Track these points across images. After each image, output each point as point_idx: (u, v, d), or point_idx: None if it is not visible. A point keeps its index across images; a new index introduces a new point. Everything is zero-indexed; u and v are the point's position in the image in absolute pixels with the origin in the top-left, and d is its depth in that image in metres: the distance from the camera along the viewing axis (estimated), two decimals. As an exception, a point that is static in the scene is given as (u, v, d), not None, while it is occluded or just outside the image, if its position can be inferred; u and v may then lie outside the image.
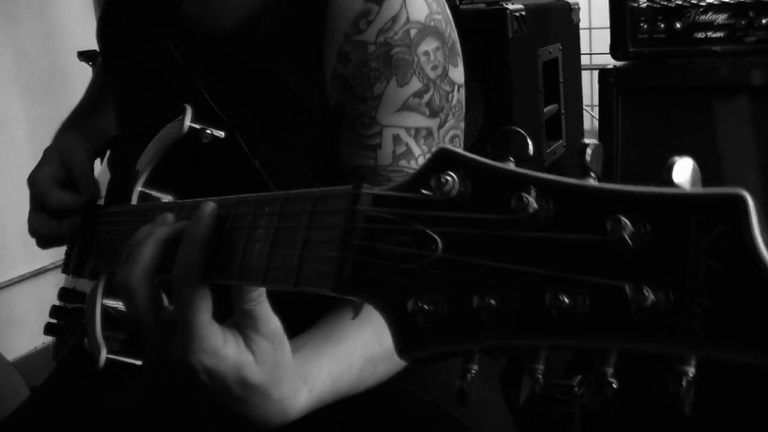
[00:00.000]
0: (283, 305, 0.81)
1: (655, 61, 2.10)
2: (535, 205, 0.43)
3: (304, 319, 0.93)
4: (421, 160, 1.00)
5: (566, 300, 0.41)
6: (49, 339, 2.01)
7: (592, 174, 0.44)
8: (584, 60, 2.77)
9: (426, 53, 1.01)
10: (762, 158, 1.98)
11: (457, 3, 2.15)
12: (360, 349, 0.91)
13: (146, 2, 1.21)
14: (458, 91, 1.06)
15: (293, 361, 0.82)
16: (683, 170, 0.40)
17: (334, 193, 0.59)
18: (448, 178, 0.48)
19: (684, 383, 0.39)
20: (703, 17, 2.01)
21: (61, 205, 1.25)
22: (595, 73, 2.16)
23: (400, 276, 0.50)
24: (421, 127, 1.02)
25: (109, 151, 1.46)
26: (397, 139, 1.01)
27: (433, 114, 1.02)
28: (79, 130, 1.39)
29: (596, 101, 2.69)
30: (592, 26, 2.94)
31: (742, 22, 1.97)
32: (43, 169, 1.28)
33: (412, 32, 1.00)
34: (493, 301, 0.44)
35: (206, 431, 1.16)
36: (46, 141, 1.41)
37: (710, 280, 0.37)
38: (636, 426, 1.94)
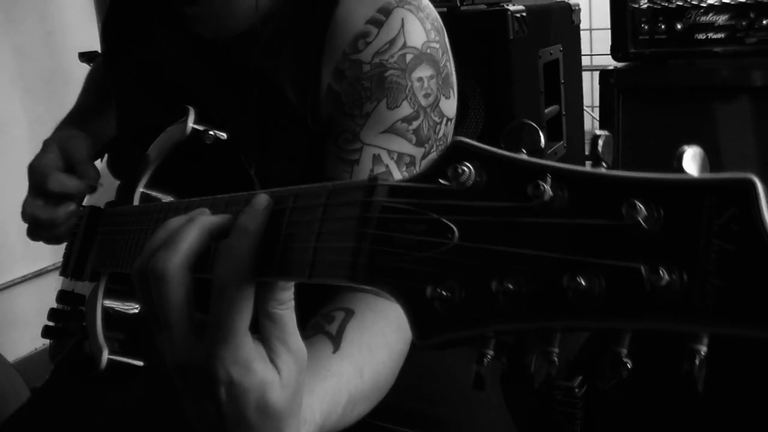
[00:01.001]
0: None
1: (655, 62, 2.11)
2: (551, 193, 0.45)
3: None
4: None
5: (583, 282, 0.42)
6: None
7: (604, 164, 0.46)
8: (585, 61, 2.78)
9: (420, 79, 1.02)
10: (763, 158, 1.99)
11: (458, 4, 2.16)
12: (344, 387, 0.84)
13: (151, 4, 1.22)
14: (446, 124, 1.07)
15: None
16: (693, 158, 0.42)
17: (350, 185, 0.60)
18: (465, 168, 0.49)
19: (697, 361, 0.40)
20: (704, 18, 2.03)
21: (61, 187, 1.25)
22: (596, 74, 2.17)
23: (417, 264, 0.51)
24: (405, 153, 1.02)
25: (107, 155, 1.46)
26: (377, 158, 1.02)
27: (419, 143, 1.03)
28: (78, 129, 1.39)
29: (597, 102, 2.70)
30: (593, 27, 2.95)
31: (743, 23, 1.99)
32: (44, 156, 1.28)
33: (408, 57, 1.01)
34: (510, 285, 0.45)
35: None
36: None
37: (722, 260, 0.38)
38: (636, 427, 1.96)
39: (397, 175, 1.01)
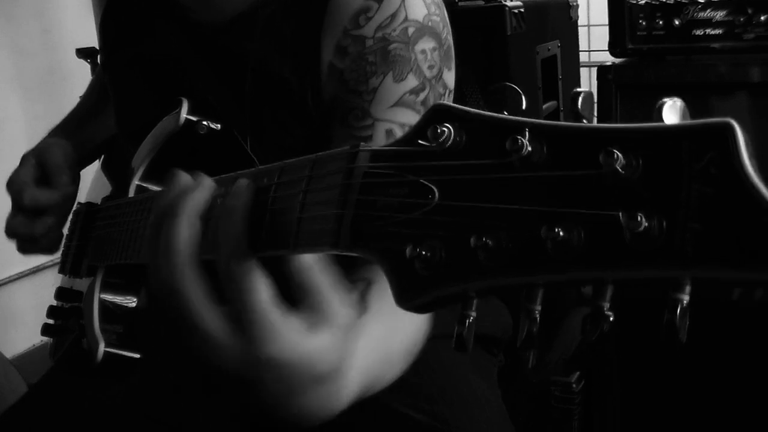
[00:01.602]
0: None
1: (653, 58, 2.10)
2: (529, 148, 0.44)
3: None
4: None
5: (561, 233, 0.41)
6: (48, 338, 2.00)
7: (584, 120, 0.46)
8: (583, 57, 2.78)
9: (423, 51, 1.02)
10: (760, 155, 1.99)
11: (456, 0, 2.17)
12: (376, 346, 0.79)
13: None
14: (449, 95, 1.07)
15: None
16: (672, 109, 0.42)
17: (333, 155, 0.60)
18: (445, 129, 0.49)
19: (678, 310, 0.40)
20: (701, 14, 2.02)
21: (35, 203, 1.25)
22: (594, 69, 2.17)
23: (397, 226, 0.51)
24: None
25: (103, 156, 1.46)
26: (390, 133, 1.02)
27: None
28: (67, 137, 1.39)
29: (595, 98, 2.69)
30: (591, 23, 2.95)
31: (741, 19, 1.98)
32: (20, 169, 1.28)
33: (410, 30, 1.01)
34: (489, 241, 0.45)
35: (203, 428, 1.17)
36: None
37: (701, 204, 0.38)
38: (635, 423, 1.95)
39: None
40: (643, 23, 2.08)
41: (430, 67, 1.03)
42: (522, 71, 2.21)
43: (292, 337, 0.63)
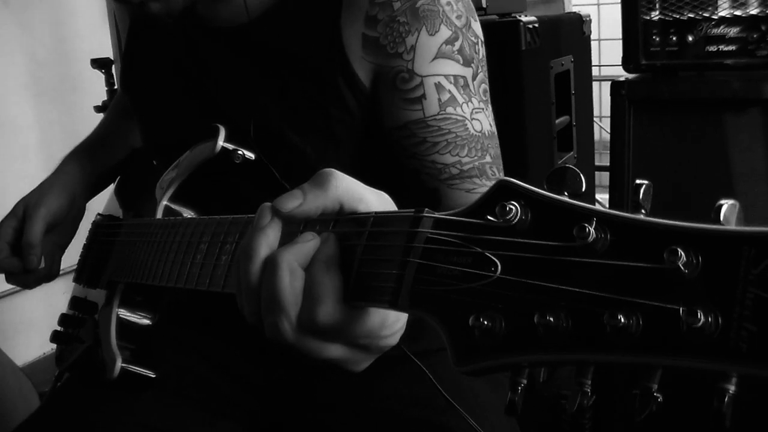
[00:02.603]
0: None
1: (667, 74, 2.12)
2: (594, 235, 0.47)
3: None
4: (466, 108, 1.04)
5: (622, 319, 0.45)
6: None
7: (643, 211, 0.49)
8: (593, 71, 2.79)
9: (449, 3, 1.06)
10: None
11: (471, 15, 2.17)
12: None
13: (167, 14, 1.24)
14: (481, 45, 1.11)
15: None
16: (731, 211, 0.45)
17: (396, 215, 0.63)
18: (512, 207, 0.52)
19: (726, 399, 0.43)
20: (715, 31, 2.04)
21: (8, 270, 1.34)
22: (604, 84, 2.18)
23: (459, 294, 0.54)
24: (458, 74, 1.06)
25: (118, 179, 1.48)
26: (439, 86, 1.05)
27: (466, 63, 1.07)
28: (88, 159, 1.44)
29: (604, 112, 2.70)
30: (602, 38, 2.96)
31: (754, 36, 2.00)
32: (5, 222, 1.35)
33: None
34: (551, 319, 0.48)
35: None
36: (58, 147, 1.45)
37: (757, 307, 0.42)
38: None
39: (460, 98, 1.05)
40: (657, 39, 2.10)
41: (458, 17, 1.07)
42: (536, 86, 2.23)
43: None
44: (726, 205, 0.45)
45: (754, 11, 1.99)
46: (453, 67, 1.05)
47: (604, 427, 2.03)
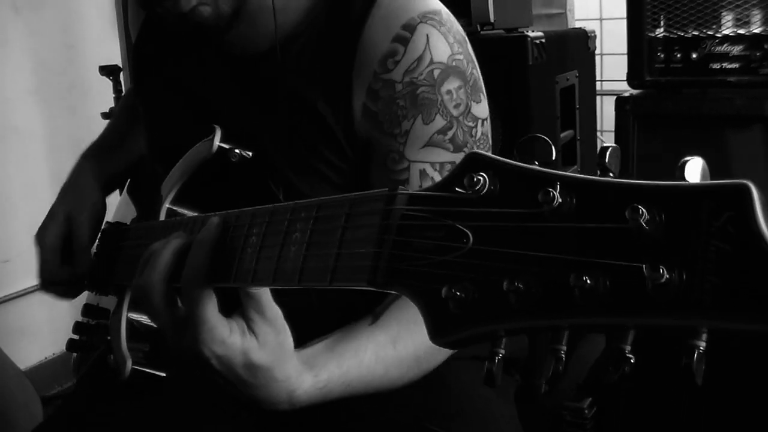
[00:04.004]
0: (301, 322, 0.89)
1: (670, 90, 2.14)
2: (560, 199, 0.48)
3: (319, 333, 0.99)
4: None
5: (588, 281, 0.45)
6: (60, 349, 1.98)
7: (611, 174, 0.49)
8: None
9: (449, 92, 1.06)
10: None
11: (478, 29, 2.20)
12: (372, 349, 0.98)
13: (183, 25, 1.26)
14: (482, 124, 1.11)
15: (301, 352, 0.91)
16: (694, 168, 0.45)
17: (372, 195, 0.64)
18: (480, 177, 0.52)
19: (695, 355, 0.43)
20: (719, 48, 2.06)
21: (51, 278, 1.35)
22: (606, 98, 2.20)
23: (433, 267, 0.55)
24: (446, 161, 1.07)
25: (129, 180, 1.50)
26: (423, 173, 1.07)
27: (457, 149, 1.08)
28: (98, 163, 1.44)
29: (607, 127, 2.71)
30: (605, 52, 2.98)
31: (757, 54, 2.02)
32: (49, 229, 1.34)
33: (436, 72, 1.05)
34: (521, 285, 0.48)
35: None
36: (65, 153, 1.43)
37: (719, 259, 0.42)
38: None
39: None
40: (662, 56, 2.12)
41: (456, 106, 1.07)
42: (541, 101, 2.24)
43: (232, 339, 0.83)
44: (690, 161, 0.45)
45: (757, 30, 2.01)
46: (441, 155, 1.07)
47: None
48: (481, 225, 0.52)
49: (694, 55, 2.08)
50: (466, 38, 1.13)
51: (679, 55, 2.10)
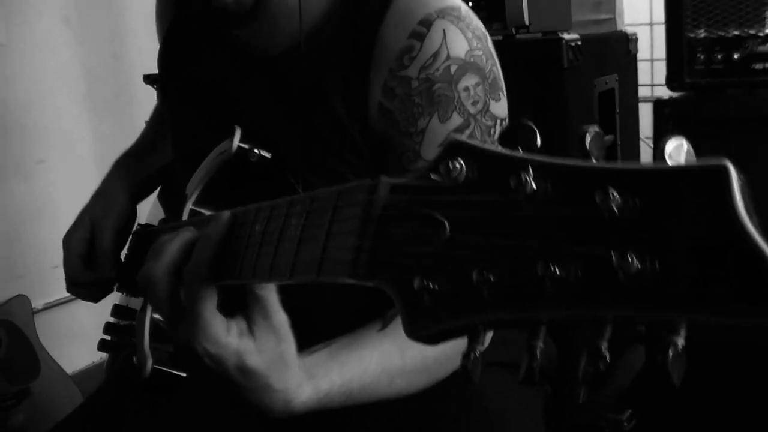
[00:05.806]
0: (313, 321, 0.87)
1: (712, 92, 2.08)
2: (533, 185, 0.45)
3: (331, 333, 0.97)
4: None
5: (557, 271, 0.42)
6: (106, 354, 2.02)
7: (593, 159, 0.46)
8: (646, 91, 2.73)
9: (466, 89, 1.03)
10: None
11: (513, 33, 2.17)
12: (377, 358, 0.95)
13: (202, 27, 1.25)
14: (500, 124, 1.08)
15: (304, 359, 0.88)
16: (676, 150, 0.42)
17: (356, 186, 0.61)
18: (457, 164, 0.50)
19: (671, 352, 0.40)
20: (761, 48, 1.99)
21: (75, 281, 1.37)
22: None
23: (409, 258, 0.52)
24: None
25: (160, 187, 1.51)
26: None
27: None
28: (129, 172, 1.46)
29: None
30: (655, 58, 2.91)
31: (802, 53, 1.95)
32: (74, 235, 1.36)
33: (453, 68, 1.02)
34: (491, 277, 0.45)
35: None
36: (111, 159, 1.48)
37: (694, 247, 0.38)
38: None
39: None
40: (702, 57, 2.06)
41: (474, 103, 1.04)
42: (579, 105, 2.20)
43: (227, 340, 0.81)
44: (671, 142, 0.42)
45: (801, 28, 1.95)
46: None
47: None
48: (457, 214, 0.49)
49: (736, 56, 2.02)
50: (487, 35, 1.09)
51: (720, 56, 2.04)
